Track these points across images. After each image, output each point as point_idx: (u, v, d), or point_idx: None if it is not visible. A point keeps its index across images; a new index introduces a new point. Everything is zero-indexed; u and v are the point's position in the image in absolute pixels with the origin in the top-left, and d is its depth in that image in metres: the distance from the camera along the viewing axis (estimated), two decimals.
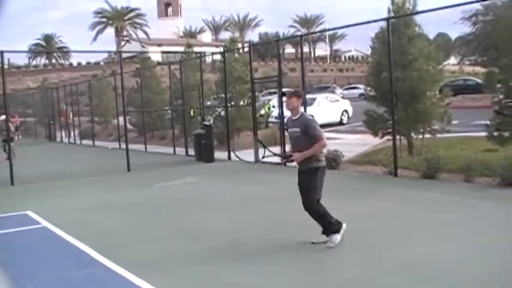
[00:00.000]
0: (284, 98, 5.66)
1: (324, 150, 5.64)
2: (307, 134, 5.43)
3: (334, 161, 10.83)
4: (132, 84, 23.24)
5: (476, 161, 8.71)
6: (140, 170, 12.96)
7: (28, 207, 8.61)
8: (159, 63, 35.35)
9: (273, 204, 7.94)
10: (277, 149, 12.52)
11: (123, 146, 15.31)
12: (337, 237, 5.51)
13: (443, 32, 18.51)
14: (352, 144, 13.10)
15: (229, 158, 14.02)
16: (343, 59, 78.05)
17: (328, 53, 78.02)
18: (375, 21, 10.26)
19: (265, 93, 35.16)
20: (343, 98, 28.04)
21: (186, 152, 16.12)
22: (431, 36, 11.20)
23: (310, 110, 19.80)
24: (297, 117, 5.55)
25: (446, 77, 15.03)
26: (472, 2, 9.04)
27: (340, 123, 21.81)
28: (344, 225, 5.62)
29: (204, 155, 13.95)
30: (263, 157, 5.80)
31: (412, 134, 10.83)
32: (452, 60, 42.78)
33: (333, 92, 37.12)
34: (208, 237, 6.20)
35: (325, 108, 21.37)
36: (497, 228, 5.85)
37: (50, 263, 5.49)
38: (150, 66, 23.68)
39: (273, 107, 13.64)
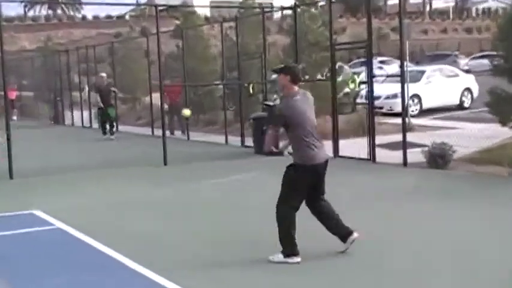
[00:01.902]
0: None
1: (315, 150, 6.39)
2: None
3: (440, 157, 11.45)
4: (170, 48, 24.34)
5: None
6: (180, 163, 14.07)
7: (34, 204, 9.82)
8: (207, 20, 36.53)
9: (353, 209, 8.73)
10: (364, 141, 13.28)
11: (158, 132, 16.50)
12: (281, 258, 6.33)
13: None
14: (473, 136, 13.57)
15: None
16: (473, 13, 76.28)
17: (451, 4, 76.60)
18: None
19: (356, 63, 35.61)
20: (468, 71, 28.08)
21: (242, 141, 17.09)
22: None
23: (415, 88, 20.36)
24: (296, 97, 6.37)
25: None
26: None
27: (460, 106, 22.13)
28: (297, 259, 6.29)
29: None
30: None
31: None
32: None
33: (455, 62, 37.00)
34: (265, 247, 7.06)
35: (438, 85, 21.76)
36: None
37: (71, 269, 6.61)
38: (196, 25, 24.45)
39: (363, 83, 14.17)
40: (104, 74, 21.53)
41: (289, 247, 6.32)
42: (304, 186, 6.34)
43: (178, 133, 20.64)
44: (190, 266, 6.51)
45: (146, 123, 23.79)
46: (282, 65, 6.78)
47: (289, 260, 6.30)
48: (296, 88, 6.45)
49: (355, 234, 6.47)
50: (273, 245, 6.50)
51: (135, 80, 26.81)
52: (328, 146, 13.90)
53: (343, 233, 6.49)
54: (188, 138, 19.71)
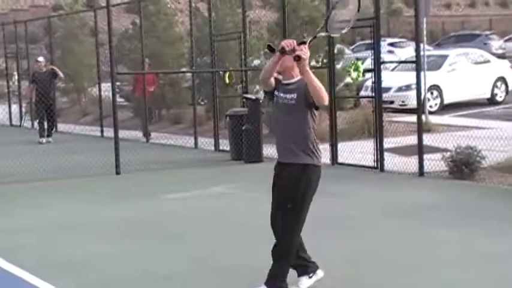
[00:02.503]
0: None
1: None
2: (307, 103, 6.24)
3: (466, 165, 11.53)
4: (124, 26, 24.47)
5: None
6: (137, 172, 14.08)
7: None
8: None
9: (347, 228, 8.86)
10: (369, 144, 13.37)
11: (109, 133, 16.43)
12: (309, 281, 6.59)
13: None
14: (508, 138, 13.70)
15: None
16: None
17: None
18: None
19: (360, 46, 35.79)
20: (502, 56, 28.26)
21: (216, 144, 17.08)
22: None
23: (435, 77, 20.48)
24: (293, 80, 6.39)
25: None
26: None
27: (492, 100, 22.32)
28: (320, 272, 6.64)
29: (246, 150, 14.91)
30: None
31: None
32: None
33: (485, 44, 37.23)
34: (243, 277, 7.13)
35: (463, 74, 21.93)
36: None
37: None
38: None
39: (369, 71, 14.19)
40: (41, 59, 21.38)
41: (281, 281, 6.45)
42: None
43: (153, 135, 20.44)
44: None
45: (94, 121, 23.77)
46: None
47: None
48: None
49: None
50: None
51: (79, 66, 26.66)
52: (324, 150, 14.06)
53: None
54: (148, 141, 19.71)
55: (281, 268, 6.41)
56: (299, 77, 6.32)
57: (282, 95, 6.39)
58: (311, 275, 6.64)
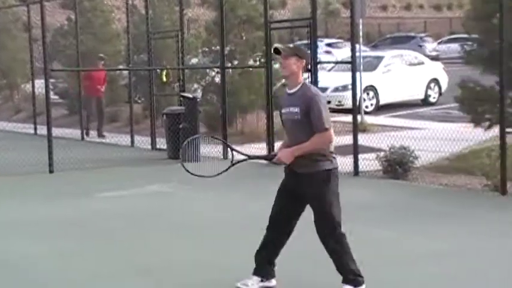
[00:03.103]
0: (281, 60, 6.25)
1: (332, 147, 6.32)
2: (309, 118, 6.12)
3: (399, 165, 11.64)
4: (59, 21, 24.08)
5: None
6: (71, 170, 13.86)
7: None
8: None
9: None
10: None
11: (43, 130, 16.16)
12: None
13: None
14: (440, 139, 13.88)
15: (225, 155, 14.83)
16: None
17: None
18: None
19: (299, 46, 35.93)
20: (436, 58, 28.70)
21: (153, 143, 17.02)
22: None
23: (371, 78, 20.67)
24: (295, 89, 6.25)
25: None
26: None
27: (425, 101, 22.64)
28: (273, 281, 6.51)
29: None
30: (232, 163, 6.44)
31: None
32: None
33: (420, 46, 37.79)
34: (174, 276, 7.11)
35: (398, 75, 22.22)
36: None
37: None
38: None
39: (306, 71, 14.21)
40: None
41: (355, 273, 6.31)
42: (338, 195, 6.37)
43: (94, 134, 20.11)
44: None
45: (27, 118, 23.36)
46: (292, 45, 6.72)
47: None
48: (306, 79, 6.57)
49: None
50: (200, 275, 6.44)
51: (12, 62, 26.29)
52: (261, 149, 14.11)
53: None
54: (83, 139, 19.45)
55: (347, 265, 6.29)
56: (301, 84, 6.23)
57: (287, 110, 6.28)
58: (264, 279, 6.54)
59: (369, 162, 12.41)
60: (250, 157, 6.55)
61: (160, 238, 8.75)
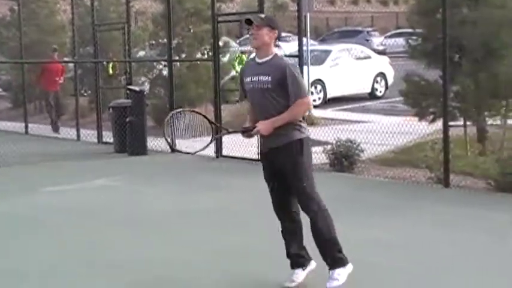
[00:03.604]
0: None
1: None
2: (283, 87, 5.97)
3: (345, 158, 11.72)
4: (2, 12, 23.86)
5: None
6: (15, 164, 13.64)
7: None
8: None
9: (230, 223, 8.90)
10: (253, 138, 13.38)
11: None
12: (343, 275, 6.19)
13: None
14: (386, 132, 13.99)
15: (172, 149, 14.84)
16: None
17: None
18: None
19: (247, 39, 35.90)
20: (383, 52, 28.96)
21: (99, 136, 16.93)
22: None
23: (319, 72, 20.79)
24: (266, 59, 6.06)
25: None
26: None
27: (372, 95, 22.90)
28: (313, 263, 6.45)
29: (130, 142, 14.75)
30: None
31: (487, 118, 11.74)
32: None
33: (367, 41, 38.10)
34: (123, 273, 7.05)
35: (346, 69, 22.40)
36: None
37: None
38: None
39: None
40: None
41: (342, 255, 6.22)
42: (311, 164, 6.33)
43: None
44: None
45: None
46: (263, 15, 6.50)
47: (350, 268, 6.24)
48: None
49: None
50: (147, 270, 6.40)
51: None
52: (207, 142, 14.06)
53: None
54: (27, 132, 19.20)
55: (331, 241, 6.18)
56: (273, 55, 6.07)
57: (254, 79, 6.07)
58: (304, 267, 6.42)
59: (316, 156, 12.34)
60: (229, 132, 6.58)
61: (107, 232, 8.68)
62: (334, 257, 6.17)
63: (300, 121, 6.11)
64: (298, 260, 6.40)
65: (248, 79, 6.12)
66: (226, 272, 6.97)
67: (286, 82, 5.92)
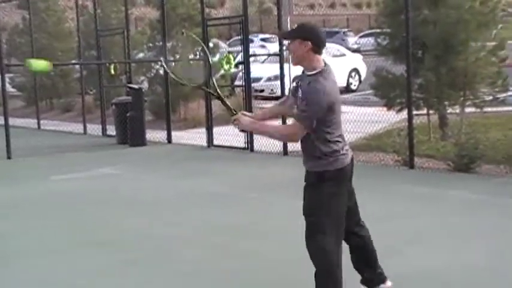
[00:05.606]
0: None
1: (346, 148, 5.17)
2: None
3: None
4: (15, 21, 23.96)
5: None
6: (29, 156, 13.97)
7: None
8: None
9: (222, 203, 9.20)
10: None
11: (0, 121, 16.17)
12: None
13: None
14: (359, 121, 14.26)
15: (169, 140, 15.15)
16: None
17: None
18: None
19: (236, 41, 36.09)
20: (357, 50, 29.22)
21: (104, 130, 17.24)
22: None
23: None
24: (313, 72, 4.88)
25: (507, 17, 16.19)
26: None
27: (347, 89, 23.16)
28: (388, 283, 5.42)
29: (131, 135, 15.03)
30: None
31: (447, 107, 12.09)
32: None
33: (343, 40, 38.36)
34: (129, 246, 7.35)
35: None
36: None
37: None
38: None
39: (241, 63, 14.50)
40: None
41: None
42: (338, 206, 5.08)
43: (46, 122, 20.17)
44: None
45: None
46: (297, 25, 5.08)
47: None
48: (321, 60, 4.94)
49: (388, 283, 5.43)
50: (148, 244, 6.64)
51: None
52: (202, 133, 14.40)
53: (373, 277, 5.43)
54: (39, 127, 19.48)
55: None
56: (317, 71, 4.87)
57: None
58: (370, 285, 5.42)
59: (297, 144, 12.68)
60: (221, 99, 5.30)
61: (111, 214, 8.95)
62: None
63: (327, 154, 4.99)
64: (367, 276, 5.44)
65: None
66: (216, 246, 7.25)
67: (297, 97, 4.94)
